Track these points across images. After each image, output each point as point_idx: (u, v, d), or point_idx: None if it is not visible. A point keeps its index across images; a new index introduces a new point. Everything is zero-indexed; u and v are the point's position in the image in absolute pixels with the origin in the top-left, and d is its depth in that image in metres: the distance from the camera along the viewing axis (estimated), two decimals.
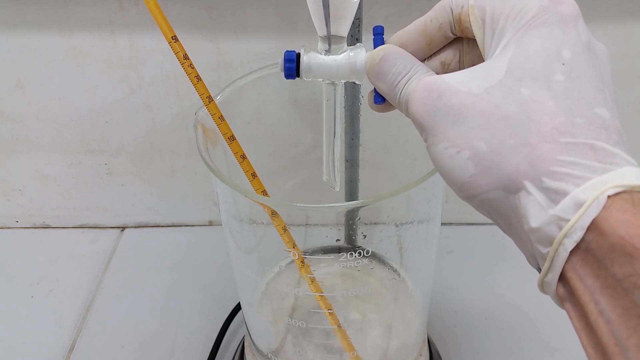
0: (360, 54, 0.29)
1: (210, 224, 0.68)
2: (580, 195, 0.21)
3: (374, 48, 0.29)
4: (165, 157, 0.62)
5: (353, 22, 0.31)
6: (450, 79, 0.24)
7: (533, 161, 0.22)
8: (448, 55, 0.28)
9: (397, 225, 0.39)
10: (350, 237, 0.47)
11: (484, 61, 0.25)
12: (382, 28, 0.29)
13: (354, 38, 0.42)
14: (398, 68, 0.27)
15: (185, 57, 0.34)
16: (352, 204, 0.39)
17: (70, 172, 0.64)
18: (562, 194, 0.21)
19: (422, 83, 0.25)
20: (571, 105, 0.22)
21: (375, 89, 0.29)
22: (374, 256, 0.42)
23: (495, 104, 0.23)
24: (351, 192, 0.49)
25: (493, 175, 0.23)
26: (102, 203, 0.66)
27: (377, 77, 0.28)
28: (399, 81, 0.27)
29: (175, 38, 0.33)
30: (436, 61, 0.29)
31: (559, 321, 0.51)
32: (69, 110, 0.59)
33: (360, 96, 0.44)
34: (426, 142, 0.25)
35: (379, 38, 0.29)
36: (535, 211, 0.22)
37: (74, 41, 0.54)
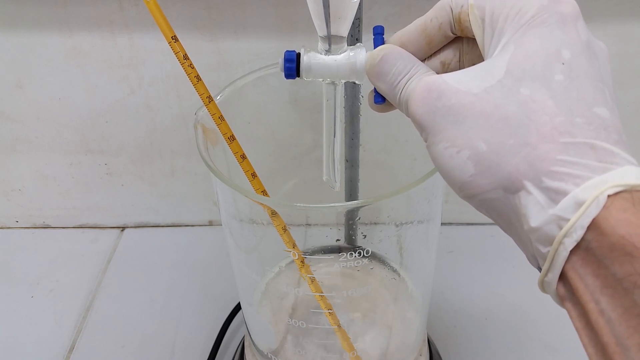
0: (361, 54, 0.29)
1: (210, 224, 0.68)
2: (580, 194, 0.21)
3: (374, 48, 0.29)
4: (165, 157, 0.62)
5: (353, 22, 0.31)
6: (450, 78, 0.24)
7: (533, 161, 0.22)
8: (448, 54, 0.28)
9: (397, 225, 0.39)
10: (350, 237, 0.47)
11: (483, 61, 0.25)
12: (382, 28, 0.29)
13: (354, 38, 0.42)
14: (398, 68, 0.27)
15: (185, 57, 0.34)
16: (352, 204, 0.39)
17: (70, 172, 0.64)
18: (562, 193, 0.21)
19: (421, 83, 0.25)
20: (571, 105, 0.22)
21: (375, 88, 0.29)
22: (374, 256, 0.42)
23: (494, 103, 0.23)
24: (351, 192, 0.49)
25: (493, 175, 0.23)
26: (102, 203, 0.66)
27: (377, 77, 0.28)
28: (399, 81, 0.27)
29: (175, 38, 0.33)
30: (436, 61, 0.29)
31: (559, 321, 0.51)
32: (69, 110, 0.59)
33: (360, 96, 0.44)
34: (426, 142, 0.25)
35: (379, 38, 0.29)
36: (535, 211, 0.22)
37: (74, 41, 0.54)
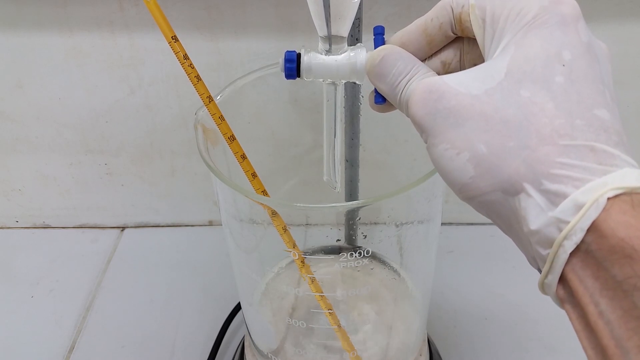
0: (361, 54, 0.29)
1: (210, 224, 0.68)
2: (579, 197, 0.21)
3: (375, 48, 0.29)
4: (165, 157, 0.62)
5: (353, 22, 0.31)
6: (450, 80, 0.24)
7: (532, 163, 0.22)
8: (449, 54, 0.28)
9: (397, 225, 0.39)
10: (351, 237, 0.47)
11: (484, 61, 0.25)
12: (382, 28, 0.29)
13: (354, 38, 0.42)
14: (398, 68, 0.27)
15: (185, 57, 0.34)
16: (352, 204, 0.39)
17: (70, 172, 0.64)
18: (562, 196, 0.21)
19: (422, 84, 0.25)
20: (571, 108, 0.22)
21: (375, 89, 0.29)
22: (374, 256, 0.42)
23: (495, 106, 0.23)
24: (351, 192, 0.49)
25: (493, 178, 0.23)
26: (102, 203, 0.66)
27: (378, 77, 0.28)
28: (400, 81, 0.27)
29: (175, 38, 0.33)
30: (437, 61, 0.29)
31: (559, 321, 0.51)
32: (69, 110, 0.59)
33: (360, 96, 0.44)
34: (426, 143, 0.25)
35: (379, 38, 0.29)
36: (535, 213, 0.22)
37: (74, 41, 0.54)
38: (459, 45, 0.28)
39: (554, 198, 0.21)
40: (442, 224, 0.60)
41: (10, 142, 0.61)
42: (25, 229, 0.68)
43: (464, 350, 0.53)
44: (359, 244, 0.47)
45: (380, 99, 0.29)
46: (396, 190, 0.32)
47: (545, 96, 0.22)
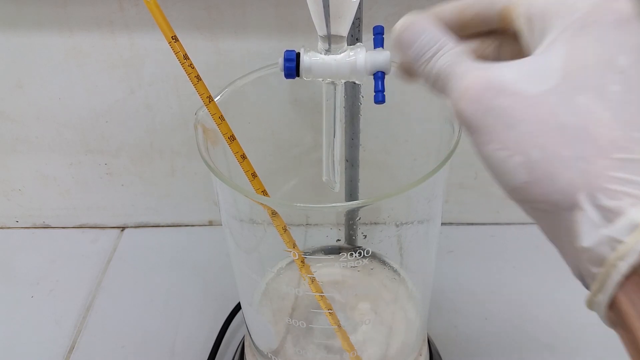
0: (360, 54, 0.29)
1: (210, 224, 0.68)
2: (636, 216, 0.20)
3: (375, 48, 0.28)
4: (165, 157, 0.62)
5: (353, 22, 0.31)
6: (505, 75, 0.23)
7: (588, 176, 0.21)
8: (483, 43, 0.27)
9: (397, 225, 0.39)
10: (351, 237, 0.47)
11: (523, 55, 0.24)
12: (382, 28, 0.29)
13: (354, 38, 0.42)
14: (426, 37, 0.26)
15: (185, 57, 0.34)
16: (352, 204, 0.39)
17: (70, 172, 0.64)
18: (617, 213, 0.20)
19: (475, 78, 0.23)
20: (628, 119, 0.21)
21: (376, 88, 0.29)
22: (374, 256, 0.42)
23: (551, 110, 0.21)
24: (351, 192, 0.49)
25: (546, 187, 0.21)
26: (102, 203, 0.66)
27: (401, 46, 0.26)
28: (425, 53, 0.25)
29: (175, 38, 0.33)
30: (469, 46, 0.27)
31: (559, 321, 0.51)
32: (69, 110, 0.59)
33: (360, 96, 0.44)
34: (471, 138, 0.24)
35: (379, 38, 0.29)
36: (588, 229, 0.21)
37: (74, 41, 0.54)
38: (496, 36, 0.27)
39: (608, 214, 0.20)
40: (442, 224, 0.60)
41: (10, 142, 0.61)
42: (25, 229, 0.68)
43: (464, 350, 0.53)
44: (359, 244, 0.47)
45: (380, 98, 0.28)
46: (396, 190, 0.32)
47: (601, 105, 0.21)
